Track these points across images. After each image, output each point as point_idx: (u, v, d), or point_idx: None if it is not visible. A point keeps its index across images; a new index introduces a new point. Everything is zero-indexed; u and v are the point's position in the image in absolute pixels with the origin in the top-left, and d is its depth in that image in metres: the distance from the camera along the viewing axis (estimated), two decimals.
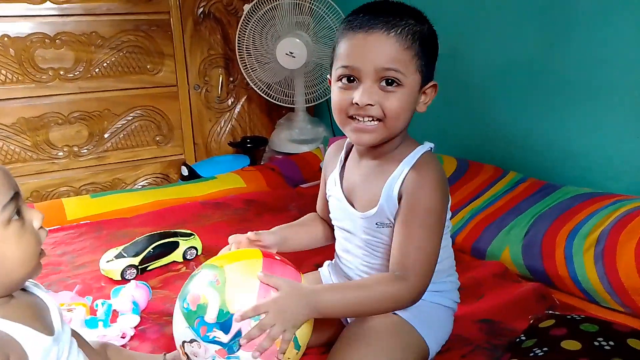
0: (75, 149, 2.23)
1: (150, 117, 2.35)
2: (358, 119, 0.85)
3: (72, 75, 2.17)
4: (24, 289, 0.68)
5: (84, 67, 2.18)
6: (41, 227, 0.65)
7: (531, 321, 0.99)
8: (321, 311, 0.80)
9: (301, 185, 2.03)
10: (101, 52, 2.20)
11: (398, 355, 0.87)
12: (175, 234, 1.43)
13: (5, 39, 2.05)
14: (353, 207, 0.93)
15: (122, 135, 2.31)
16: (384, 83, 0.83)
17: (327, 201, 1.01)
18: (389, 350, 0.86)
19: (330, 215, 1.00)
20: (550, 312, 1.02)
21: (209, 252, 1.47)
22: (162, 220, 1.67)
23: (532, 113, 1.60)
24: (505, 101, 1.68)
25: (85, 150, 2.26)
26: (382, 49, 0.82)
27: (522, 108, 1.63)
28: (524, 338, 0.93)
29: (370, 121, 0.84)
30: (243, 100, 2.55)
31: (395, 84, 0.83)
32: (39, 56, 2.11)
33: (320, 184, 1.06)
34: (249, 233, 0.93)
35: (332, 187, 0.98)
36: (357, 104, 0.83)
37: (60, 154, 2.21)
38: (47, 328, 0.64)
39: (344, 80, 0.85)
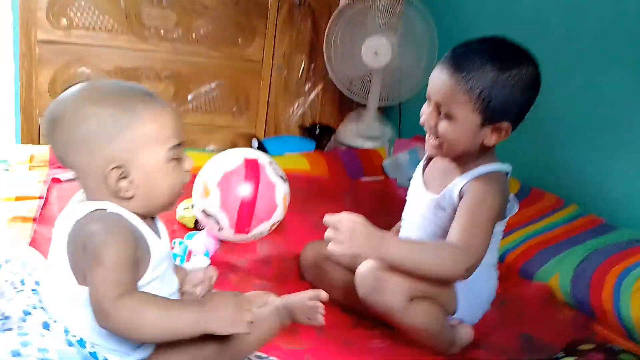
0: None
1: (231, 88, 2.49)
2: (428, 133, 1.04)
3: (170, 36, 2.32)
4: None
5: (182, 30, 2.33)
6: (187, 171, 0.77)
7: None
8: (384, 256, 0.92)
9: (361, 179, 2.11)
10: (200, 19, 2.34)
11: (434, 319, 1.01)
12: None
13: None
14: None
15: (203, 100, 2.46)
16: (440, 112, 0.99)
17: None
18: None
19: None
20: (589, 338, 1.07)
21: None
22: None
23: (606, 154, 1.61)
24: (578, 137, 1.71)
25: None
26: (441, 85, 0.98)
27: (594, 147, 1.65)
28: (562, 355, 0.98)
29: (433, 139, 1.02)
30: (319, 88, 2.65)
31: (446, 116, 0.98)
32: (145, 13, 2.27)
33: None
34: None
35: (415, 174, 1.14)
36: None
37: None
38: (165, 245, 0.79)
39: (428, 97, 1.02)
